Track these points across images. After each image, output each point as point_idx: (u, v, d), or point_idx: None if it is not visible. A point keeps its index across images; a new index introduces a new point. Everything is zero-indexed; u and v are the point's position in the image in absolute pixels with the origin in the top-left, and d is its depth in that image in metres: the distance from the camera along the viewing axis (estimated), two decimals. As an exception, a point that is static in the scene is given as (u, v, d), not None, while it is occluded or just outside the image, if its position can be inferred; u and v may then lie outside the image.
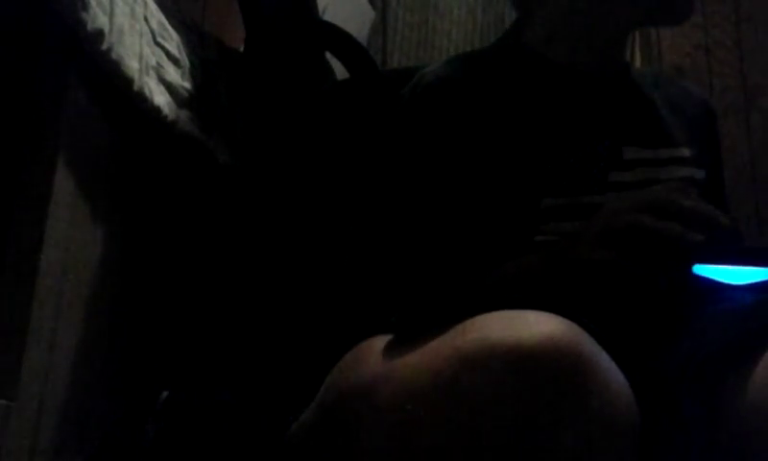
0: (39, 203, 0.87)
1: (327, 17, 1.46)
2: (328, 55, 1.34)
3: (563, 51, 0.90)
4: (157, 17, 1.07)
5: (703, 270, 0.68)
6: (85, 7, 0.86)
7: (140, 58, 1.00)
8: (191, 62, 1.14)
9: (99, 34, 0.90)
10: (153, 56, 1.04)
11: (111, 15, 0.92)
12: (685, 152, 0.88)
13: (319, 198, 1.14)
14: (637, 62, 1.75)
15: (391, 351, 0.62)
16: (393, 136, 0.88)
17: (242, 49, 1.33)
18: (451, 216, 0.81)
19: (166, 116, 1.05)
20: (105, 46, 0.91)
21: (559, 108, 0.86)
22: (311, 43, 1.30)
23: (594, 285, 0.67)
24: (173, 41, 1.10)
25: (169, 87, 1.07)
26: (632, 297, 0.68)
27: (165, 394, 0.99)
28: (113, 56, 0.93)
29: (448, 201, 0.82)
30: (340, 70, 1.33)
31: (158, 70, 1.05)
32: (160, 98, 1.04)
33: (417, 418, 0.53)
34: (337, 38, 1.31)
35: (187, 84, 1.12)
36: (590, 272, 0.67)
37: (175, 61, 1.10)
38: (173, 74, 1.08)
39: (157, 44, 1.06)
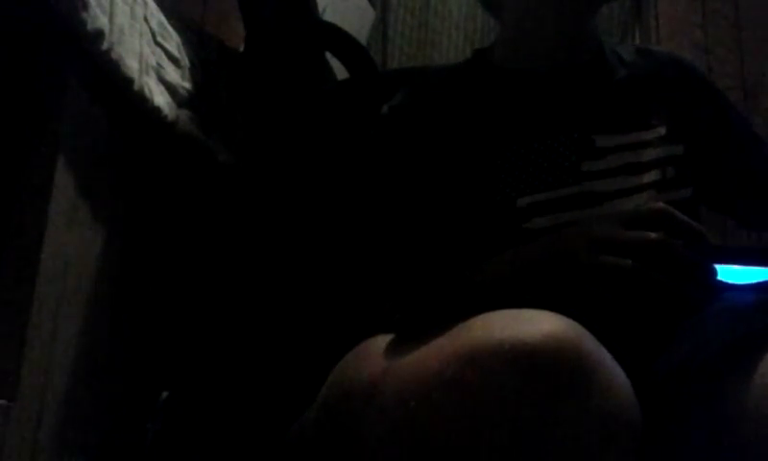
0: (39, 203, 0.87)
1: (327, 17, 1.46)
2: (328, 55, 1.34)
3: (519, 58, 0.93)
4: (157, 17, 1.07)
5: None
6: (85, 7, 0.86)
7: (140, 58, 1.00)
8: (191, 62, 1.14)
9: (99, 34, 0.90)
10: (153, 56, 1.04)
11: (111, 15, 0.92)
12: (661, 130, 0.88)
13: (318, 197, 1.14)
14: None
15: (393, 349, 0.62)
16: (368, 159, 0.93)
17: (242, 49, 1.33)
18: (430, 227, 0.83)
19: (166, 116, 1.05)
20: (105, 46, 0.91)
21: (518, 110, 0.88)
22: (311, 43, 1.30)
23: (609, 291, 0.66)
24: (173, 41, 1.10)
25: (169, 87, 1.07)
26: (655, 305, 0.67)
27: (165, 394, 0.99)
28: (113, 56, 0.93)
29: (428, 213, 0.84)
30: (340, 70, 1.33)
31: (158, 70, 1.05)
32: (160, 98, 1.04)
33: (419, 416, 0.53)
34: (337, 38, 1.31)
35: (187, 84, 1.12)
36: (604, 278, 0.66)
37: (175, 61, 1.10)
38: (173, 74, 1.08)
39: (157, 44, 1.06)
